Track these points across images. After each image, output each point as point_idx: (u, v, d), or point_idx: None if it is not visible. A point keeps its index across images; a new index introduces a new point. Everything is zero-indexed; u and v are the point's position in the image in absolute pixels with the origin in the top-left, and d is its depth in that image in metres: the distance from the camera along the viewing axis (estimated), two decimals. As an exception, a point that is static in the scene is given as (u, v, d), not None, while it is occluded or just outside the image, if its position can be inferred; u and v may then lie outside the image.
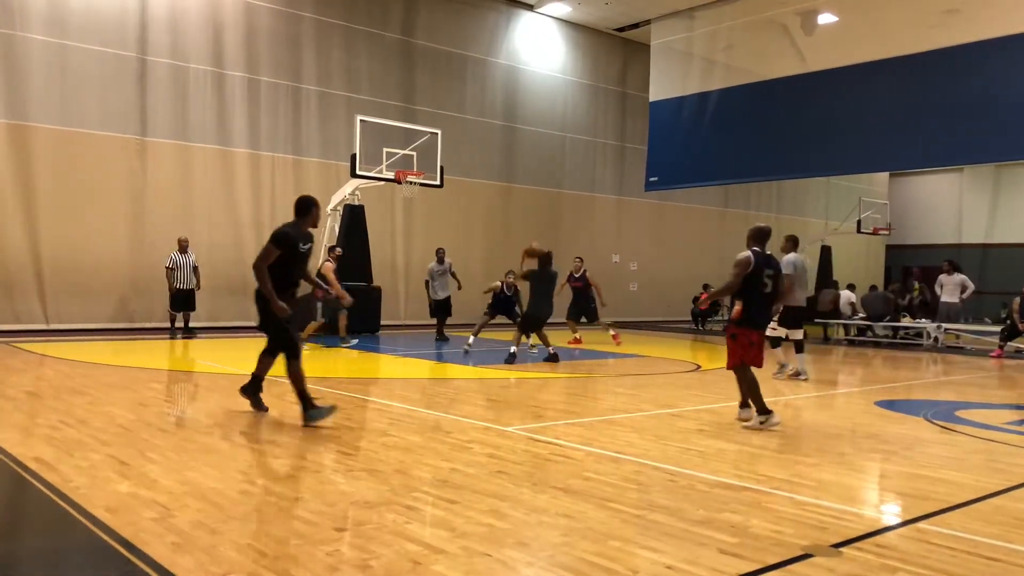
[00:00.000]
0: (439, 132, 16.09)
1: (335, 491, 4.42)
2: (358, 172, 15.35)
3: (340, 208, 16.61)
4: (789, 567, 3.39)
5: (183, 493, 4.27)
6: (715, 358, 13.39)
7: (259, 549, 3.44)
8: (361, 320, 15.80)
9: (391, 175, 15.61)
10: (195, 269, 14.50)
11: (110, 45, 15.11)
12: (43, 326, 14.51)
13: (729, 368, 6.83)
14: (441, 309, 15.43)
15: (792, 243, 10.10)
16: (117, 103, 15.25)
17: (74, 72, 14.79)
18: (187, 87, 16.03)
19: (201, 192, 16.24)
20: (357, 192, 16.31)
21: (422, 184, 15.89)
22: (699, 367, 11.91)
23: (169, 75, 15.80)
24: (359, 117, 15.51)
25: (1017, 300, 14.70)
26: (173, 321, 14.58)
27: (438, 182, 16.11)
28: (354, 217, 16.35)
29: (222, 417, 6.71)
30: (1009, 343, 14.95)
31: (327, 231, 16.88)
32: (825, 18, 17.31)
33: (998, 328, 16.04)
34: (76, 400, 7.24)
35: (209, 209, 16.32)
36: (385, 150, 15.75)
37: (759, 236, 6.90)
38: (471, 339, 12.82)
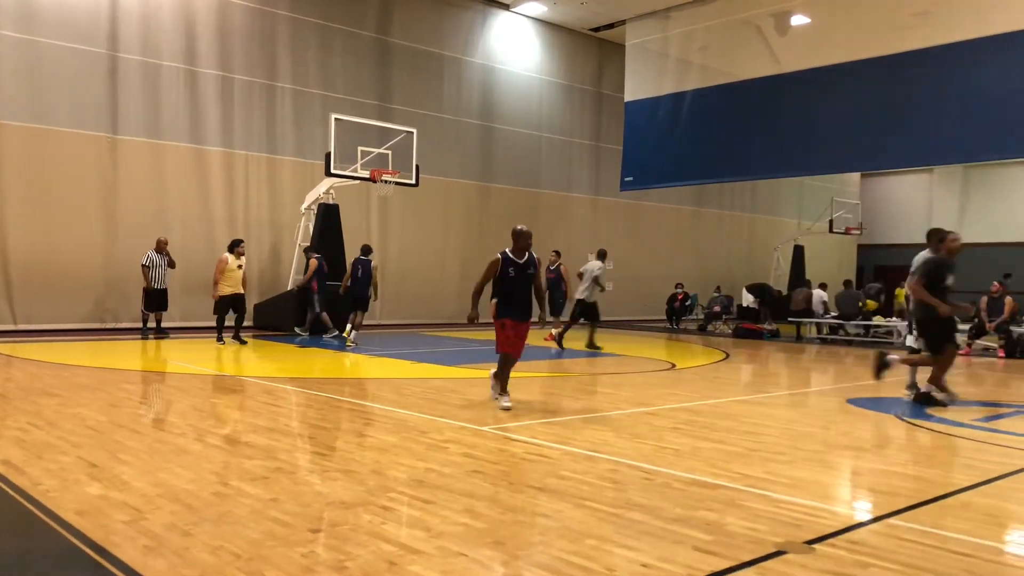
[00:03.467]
0: (414, 131, 16.05)
1: (310, 492, 4.39)
2: (333, 171, 15.27)
3: (315, 207, 16.52)
4: (763, 564, 3.41)
5: (155, 495, 4.22)
6: (690, 357, 13.48)
7: (233, 551, 3.41)
8: (335, 319, 15.73)
9: (366, 174, 15.55)
10: (166, 269, 14.30)
11: (80, 41, 14.89)
12: (11, 327, 14.27)
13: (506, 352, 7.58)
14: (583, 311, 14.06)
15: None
16: (88, 100, 15.03)
17: (44, 69, 14.56)
18: (159, 84, 15.84)
19: (174, 191, 16.06)
20: (332, 191, 16.23)
21: (397, 183, 15.84)
22: (674, 366, 11.98)
23: (141, 72, 15.61)
24: (334, 116, 15.43)
25: (984, 299, 14.94)
26: (146, 321, 14.41)
27: (413, 181, 16.06)
28: (329, 216, 16.26)
29: (195, 418, 6.64)
30: (976, 341, 15.19)
31: (301, 230, 16.79)
32: (798, 20, 17.50)
33: (966, 327, 16.30)
34: (45, 401, 7.13)
35: (182, 208, 16.15)
36: (360, 149, 15.69)
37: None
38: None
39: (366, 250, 13.92)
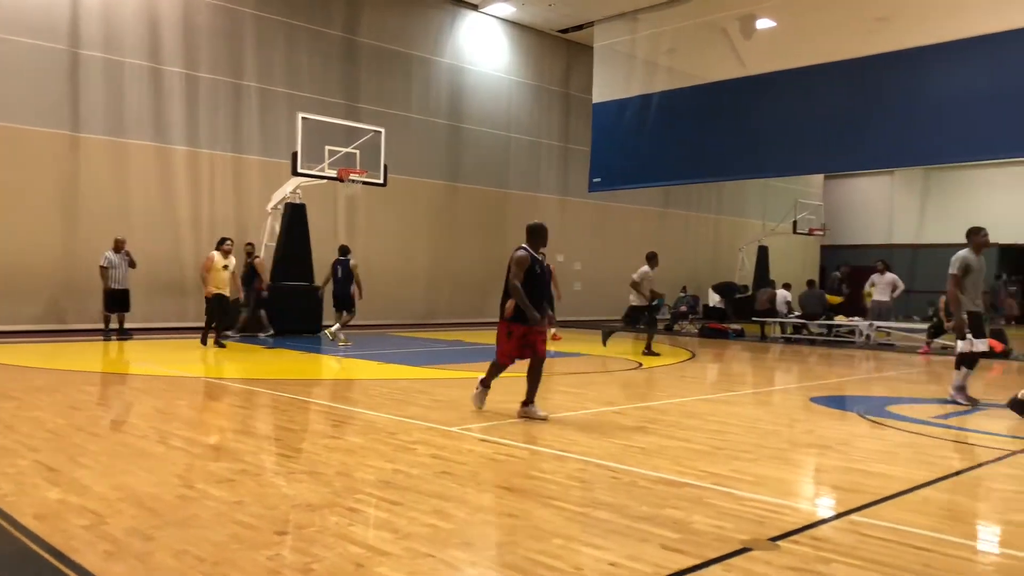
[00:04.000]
0: (382, 130, 15.96)
1: (276, 494, 4.35)
2: (300, 170, 15.14)
3: (281, 207, 16.36)
4: (729, 561, 3.45)
5: (116, 499, 4.15)
6: (656, 356, 13.57)
7: (197, 555, 3.36)
8: (303, 320, 15.62)
9: (333, 173, 15.44)
10: (127, 269, 14.01)
11: (40, 37, 14.60)
12: (-33, 328, 13.96)
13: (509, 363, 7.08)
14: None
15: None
16: (48, 97, 14.74)
17: (3, 65, 14.25)
18: (122, 82, 15.58)
19: (137, 190, 15.81)
20: (299, 190, 16.09)
21: (365, 183, 15.75)
22: (641, 365, 12.06)
23: (103, 69, 15.34)
24: (301, 115, 15.30)
25: (943, 299, 15.22)
26: (107, 322, 14.15)
27: (381, 181, 15.98)
28: (295, 216, 16.11)
29: (158, 420, 6.54)
30: (935, 340, 15.48)
31: (267, 230, 16.63)
32: (763, 23, 17.71)
33: (926, 326, 16.62)
34: (2, 404, 6.97)
35: (146, 207, 15.89)
36: (327, 148, 15.57)
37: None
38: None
39: (344, 250, 14.06)
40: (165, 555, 3.35)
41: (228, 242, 12.94)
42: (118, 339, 13.77)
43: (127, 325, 14.24)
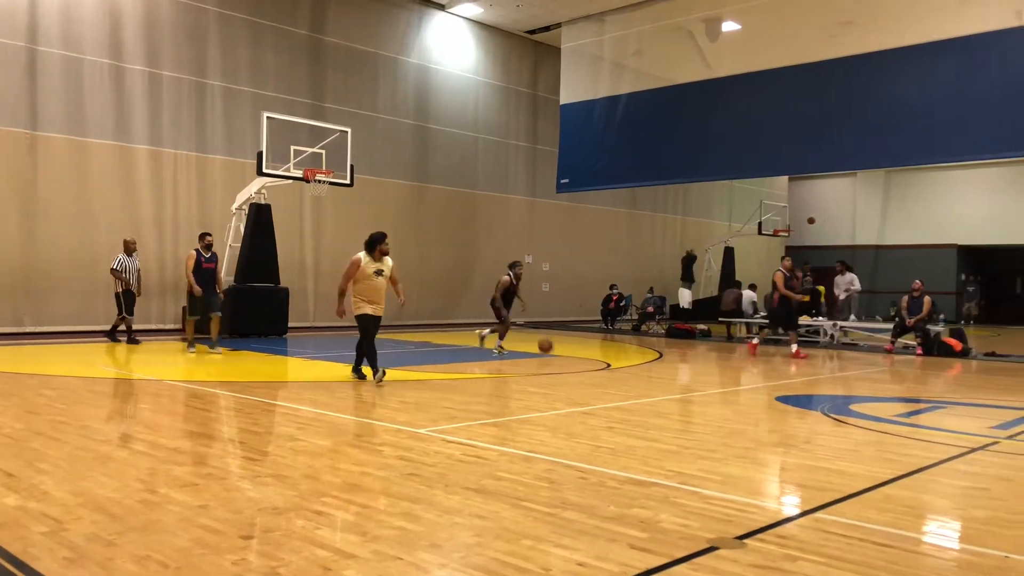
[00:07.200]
0: (349, 130, 15.86)
1: (241, 498, 4.29)
2: (265, 170, 14.98)
3: (246, 207, 16.17)
4: (696, 560, 3.47)
5: (77, 505, 4.07)
6: (624, 357, 13.65)
7: (160, 560, 3.30)
8: (268, 323, 15.47)
9: (299, 173, 15.30)
10: (138, 272, 13.59)
11: (-4, 33, 14.30)
12: (-79, 331, 13.60)
13: None
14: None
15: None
16: (4, 95, 14.43)
17: (-44, 60, 13.94)
18: (82, 80, 15.29)
19: (99, 190, 15.52)
20: (264, 191, 15.92)
21: (331, 183, 15.63)
22: (609, 365, 12.11)
23: (62, 66, 15.04)
24: (266, 114, 15.14)
25: (906, 299, 15.51)
26: (115, 327, 13.61)
27: (348, 181, 15.87)
28: (260, 216, 15.94)
29: (120, 424, 6.42)
30: (898, 339, 15.75)
31: (231, 230, 16.43)
32: (729, 26, 17.91)
33: (889, 325, 16.90)
34: (-42, 409, 6.80)
35: (107, 207, 15.61)
36: (293, 148, 15.43)
37: None
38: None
39: (512, 264, 13.23)
40: (127, 561, 3.29)
41: (385, 241, 8.94)
42: (129, 343, 13.32)
43: (77, 328, 13.69)
